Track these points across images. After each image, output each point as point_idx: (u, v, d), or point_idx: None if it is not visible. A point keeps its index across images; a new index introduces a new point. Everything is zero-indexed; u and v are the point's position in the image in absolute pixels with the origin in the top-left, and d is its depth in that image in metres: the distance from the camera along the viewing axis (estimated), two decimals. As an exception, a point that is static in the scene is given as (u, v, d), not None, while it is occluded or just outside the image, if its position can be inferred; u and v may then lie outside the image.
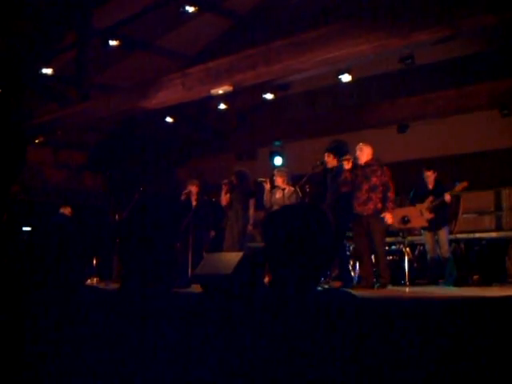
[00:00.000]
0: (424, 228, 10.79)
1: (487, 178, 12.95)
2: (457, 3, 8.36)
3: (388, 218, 9.43)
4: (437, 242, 10.66)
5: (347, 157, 9.51)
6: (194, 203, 11.56)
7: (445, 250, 10.55)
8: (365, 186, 9.37)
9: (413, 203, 10.79)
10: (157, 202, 2.92)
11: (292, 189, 10.47)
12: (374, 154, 9.63)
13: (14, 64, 13.79)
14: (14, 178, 15.13)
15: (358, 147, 9.61)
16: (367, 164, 9.50)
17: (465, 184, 10.42)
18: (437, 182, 10.84)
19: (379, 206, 9.33)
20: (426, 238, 10.86)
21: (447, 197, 10.50)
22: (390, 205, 9.39)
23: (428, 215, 10.59)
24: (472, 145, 13.27)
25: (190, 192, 11.59)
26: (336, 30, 9.68)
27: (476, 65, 12.98)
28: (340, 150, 10.16)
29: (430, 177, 10.88)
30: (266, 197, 10.77)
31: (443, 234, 10.61)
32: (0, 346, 2.63)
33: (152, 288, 2.74)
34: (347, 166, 9.44)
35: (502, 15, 8.16)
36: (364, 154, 9.56)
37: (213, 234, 11.61)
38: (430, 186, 10.84)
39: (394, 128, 13.95)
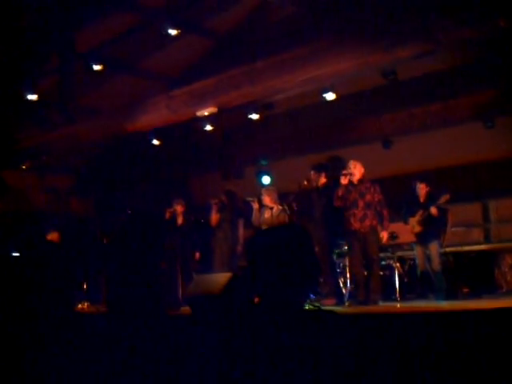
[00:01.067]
0: (415, 242, 10.81)
1: (474, 191, 12.99)
2: (436, 18, 8.43)
3: (384, 236, 9.51)
4: (427, 256, 10.67)
5: (345, 172, 9.54)
6: (179, 222, 11.56)
7: (435, 264, 10.55)
8: (361, 203, 9.43)
9: (405, 218, 10.79)
10: (143, 223, 2.93)
11: (280, 207, 10.45)
12: (365, 171, 9.67)
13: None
14: None
15: (351, 164, 9.62)
16: (360, 181, 9.55)
17: (447, 196, 10.47)
18: (429, 195, 10.85)
19: (374, 222, 9.43)
20: (416, 252, 10.86)
21: (433, 210, 10.54)
22: (386, 223, 9.57)
23: (418, 229, 10.61)
24: (457, 158, 13.30)
25: (174, 211, 11.59)
26: (318, 49, 9.75)
27: (459, 78, 13.03)
28: (326, 168, 10.19)
29: (422, 189, 10.89)
30: (255, 216, 10.75)
31: (434, 248, 10.61)
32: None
33: (139, 311, 2.73)
34: (344, 181, 9.48)
35: (480, 29, 8.23)
36: (357, 170, 9.59)
37: (198, 255, 11.54)
38: (422, 199, 10.86)
39: (378, 143, 13.98)
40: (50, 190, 16.86)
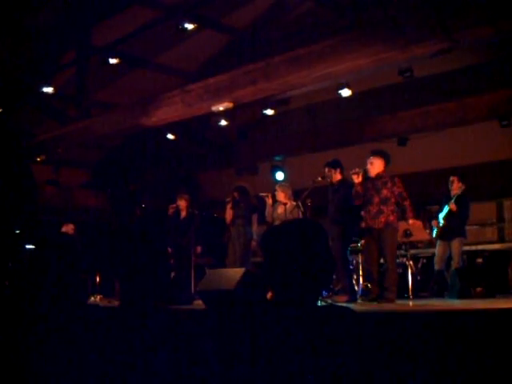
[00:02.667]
0: (439, 237, 10.78)
1: (488, 190, 12.95)
2: (453, 16, 8.40)
3: (416, 224, 9.40)
4: (448, 254, 10.65)
5: (356, 170, 9.44)
6: (182, 217, 11.63)
7: (455, 262, 10.53)
8: (376, 199, 9.29)
9: (438, 216, 10.84)
10: (154, 218, 2.96)
11: (294, 203, 10.46)
12: (385, 165, 9.56)
13: (14, 83, 13.83)
14: (22, 199, 15.16)
15: (368, 160, 9.55)
16: (378, 176, 9.43)
17: (463, 187, 10.53)
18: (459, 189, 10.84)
19: (391, 218, 9.22)
20: (438, 248, 10.80)
21: (452, 206, 10.55)
22: (409, 214, 9.36)
23: (443, 223, 10.64)
24: (472, 156, 13.27)
25: (177, 206, 11.66)
26: (334, 45, 9.72)
27: (475, 76, 13.01)
28: (340, 164, 10.13)
29: (453, 183, 10.86)
30: (268, 212, 10.77)
31: (456, 246, 10.57)
32: (3, 362, 2.64)
33: (151, 305, 2.75)
34: (357, 179, 9.40)
35: (497, 26, 8.19)
36: (374, 166, 9.47)
37: (199, 249, 11.55)
38: (452, 194, 10.82)
39: (394, 141, 13.95)
40: (65, 183, 16.94)
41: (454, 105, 12.90)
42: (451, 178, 10.91)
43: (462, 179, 10.88)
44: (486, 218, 13.21)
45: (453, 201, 10.62)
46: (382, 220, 9.21)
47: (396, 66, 10.70)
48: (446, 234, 10.67)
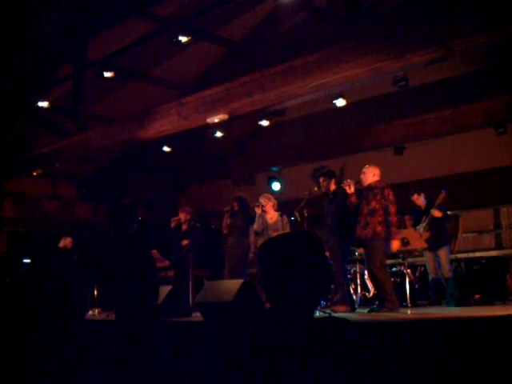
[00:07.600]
0: (425, 249, 10.81)
1: (485, 197, 12.97)
2: (447, 24, 8.42)
3: (394, 244, 9.27)
4: (438, 262, 10.69)
5: (347, 181, 9.44)
6: (183, 229, 11.61)
7: (445, 270, 10.55)
8: (364, 210, 9.29)
9: (414, 226, 10.88)
10: (152, 231, 2.96)
11: (277, 213, 10.61)
12: (380, 175, 9.53)
13: (11, 96, 13.85)
14: None
15: (363, 169, 9.56)
16: (369, 187, 9.41)
17: (443, 194, 10.59)
18: (428, 202, 10.96)
19: (378, 229, 9.16)
20: (427, 258, 10.89)
21: (435, 213, 10.60)
22: (393, 229, 9.17)
23: (426, 235, 10.65)
24: (469, 164, 13.31)
25: (179, 219, 11.64)
26: (329, 55, 9.73)
27: (470, 84, 13.04)
28: (335, 174, 10.14)
29: (416, 200, 11.08)
30: (257, 222, 10.79)
31: (443, 254, 10.63)
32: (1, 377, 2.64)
33: (148, 318, 2.75)
34: (349, 190, 9.39)
35: (491, 35, 8.22)
36: (367, 176, 9.46)
37: (185, 242, 11.44)
38: (422, 208, 10.97)
39: (390, 150, 13.98)
40: (62, 196, 16.93)
41: (449, 113, 12.92)
42: (412, 198, 11.25)
43: (420, 193, 11.10)
44: (484, 225, 13.23)
45: (434, 208, 10.71)
46: (369, 231, 9.19)
47: (391, 75, 10.73)
48: (432, 244, 10.70)
